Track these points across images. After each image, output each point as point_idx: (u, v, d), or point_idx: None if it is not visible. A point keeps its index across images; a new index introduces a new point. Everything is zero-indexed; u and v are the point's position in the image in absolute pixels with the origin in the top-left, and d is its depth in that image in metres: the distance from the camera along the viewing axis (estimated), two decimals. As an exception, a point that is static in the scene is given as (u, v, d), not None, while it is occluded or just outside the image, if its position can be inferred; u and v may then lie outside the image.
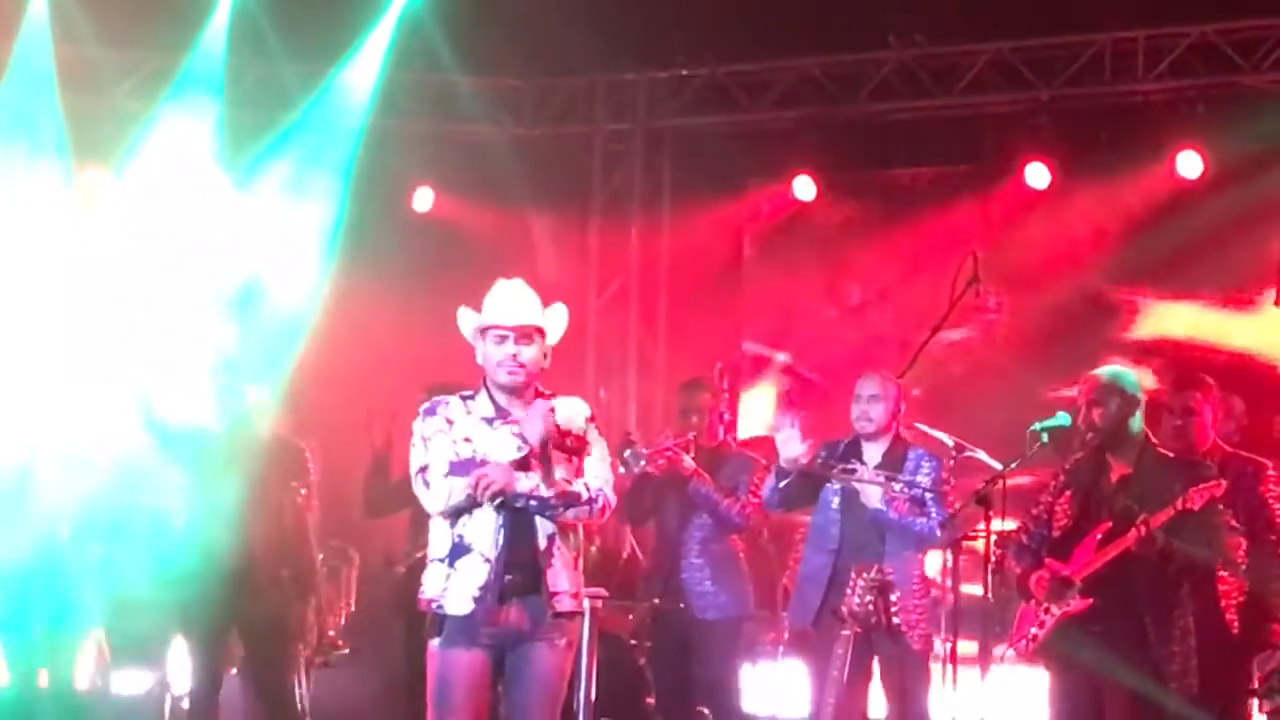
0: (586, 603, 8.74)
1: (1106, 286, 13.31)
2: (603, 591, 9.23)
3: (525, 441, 6.92)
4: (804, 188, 13.86)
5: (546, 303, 7.19)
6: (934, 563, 9.47)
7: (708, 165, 14.35)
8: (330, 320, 13.09)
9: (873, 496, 8.55)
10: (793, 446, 8.64)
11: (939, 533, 8.51)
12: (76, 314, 11.93)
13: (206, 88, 13.07)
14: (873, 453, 8.80)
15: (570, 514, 6.96)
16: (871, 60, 13.64)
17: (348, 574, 12.29)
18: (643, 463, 9.51)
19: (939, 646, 9.08)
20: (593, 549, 11.41)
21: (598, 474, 7.06)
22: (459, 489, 6.89)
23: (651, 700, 10.63)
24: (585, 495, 6.96)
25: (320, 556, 10.02)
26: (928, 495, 8.57)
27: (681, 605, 9.55)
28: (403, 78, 14.03)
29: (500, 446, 6.98)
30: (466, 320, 7.11)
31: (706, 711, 10.06)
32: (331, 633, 9.78)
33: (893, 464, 8.70)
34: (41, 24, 12.62)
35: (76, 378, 10.67)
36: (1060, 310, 13.21)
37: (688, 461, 9.47)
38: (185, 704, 10.05)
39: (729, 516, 9.47)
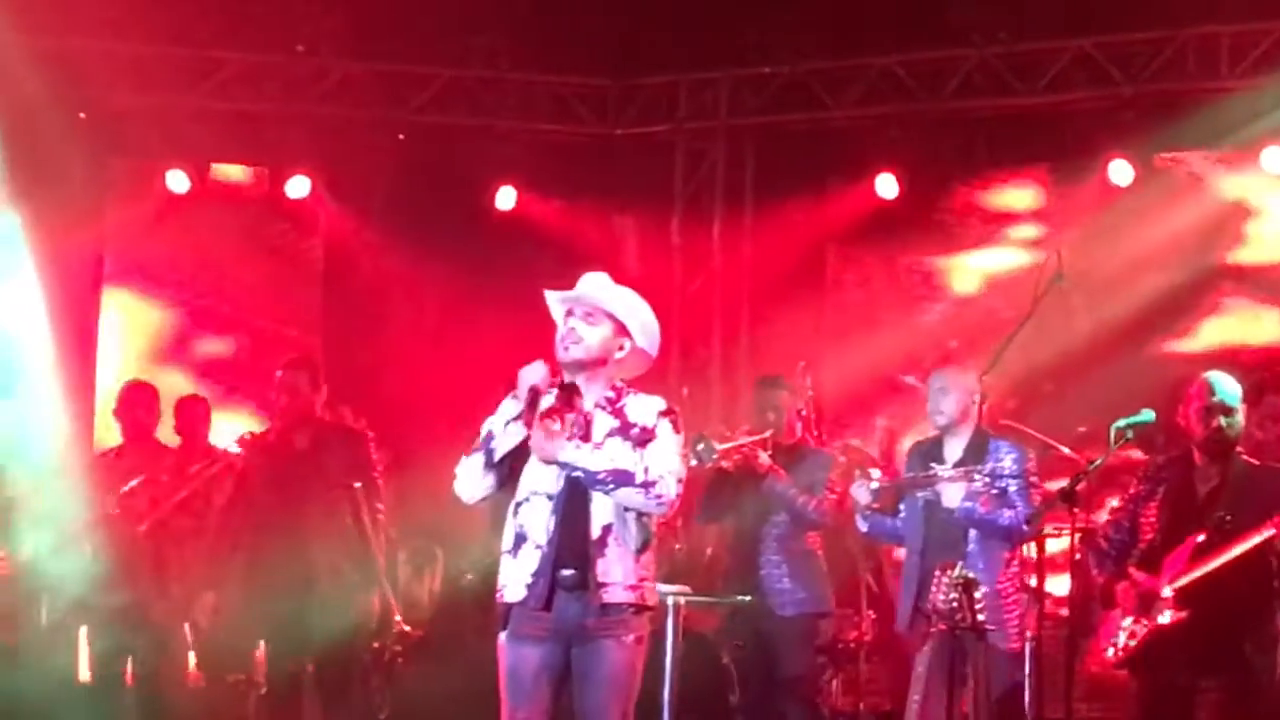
0: (671, 600, 8.82)
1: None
2: (687, 589, 9.22)
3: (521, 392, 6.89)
4: (887, 186, 13.83)
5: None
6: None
7: (790, 163, 14.33)
8: (411, 321, 13.15)
9: (952, 496, 8.47)
10: None
11: (1025, 527, 8.31)
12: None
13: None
14: (953, 448, 8.68)
15: (621, 494, 6.84)
16: (954, 57, 13.58)
17: (431, 573, 12.35)
18: (715, 456, 9.49)
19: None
20: (678, 548, 11.48)
21: (659, 462, 6.89)
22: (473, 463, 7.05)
23: (735, 698, 10.66)
24: (640, 477, 6.83)
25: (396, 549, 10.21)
26: (1012, 486, 8.39)
27: (753, 600, 9.54)
28: (485, 77, 14.09)
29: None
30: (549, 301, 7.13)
31: None
32: (398, 618, 9.83)
33: (974, 457, 8.54)
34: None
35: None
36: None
37: (763, 458, 9.43)
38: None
39: (805, 513, 9.43)
